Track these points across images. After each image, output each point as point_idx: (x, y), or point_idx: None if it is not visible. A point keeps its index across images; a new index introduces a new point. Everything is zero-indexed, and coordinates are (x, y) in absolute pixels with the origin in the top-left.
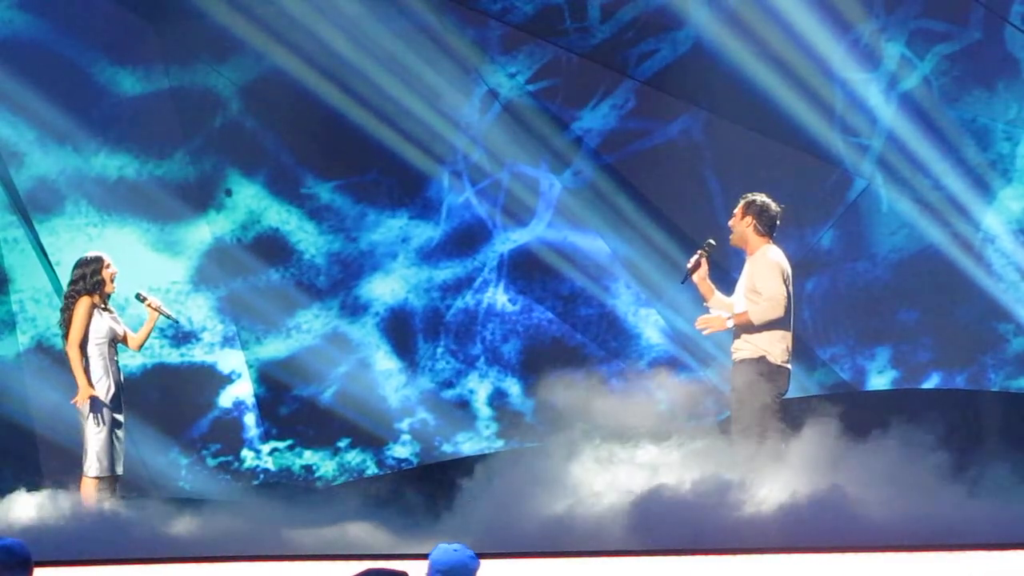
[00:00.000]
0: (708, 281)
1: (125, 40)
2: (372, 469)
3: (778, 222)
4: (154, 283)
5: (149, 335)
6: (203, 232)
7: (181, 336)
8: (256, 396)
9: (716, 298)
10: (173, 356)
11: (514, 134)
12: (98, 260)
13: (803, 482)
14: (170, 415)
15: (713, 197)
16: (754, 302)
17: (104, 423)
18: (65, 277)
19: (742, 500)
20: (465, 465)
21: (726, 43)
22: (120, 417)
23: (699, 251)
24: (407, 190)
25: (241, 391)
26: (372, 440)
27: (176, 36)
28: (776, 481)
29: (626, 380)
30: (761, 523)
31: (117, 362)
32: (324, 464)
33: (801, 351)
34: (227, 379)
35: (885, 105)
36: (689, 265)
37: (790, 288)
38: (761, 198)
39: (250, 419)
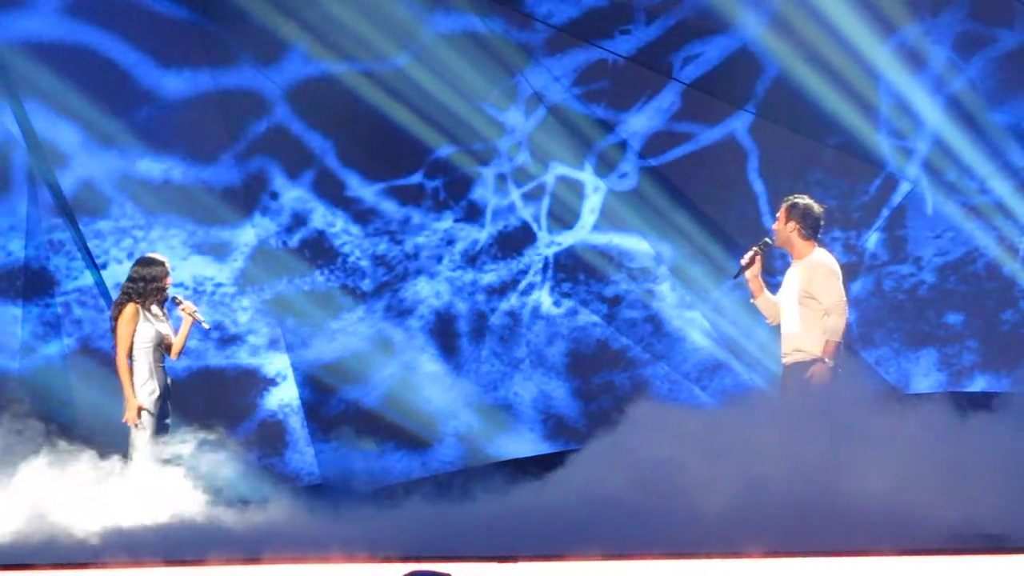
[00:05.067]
0: (760, 279)
1: (171, 43)
2: (417, 472)
3: (822, 223)
4: (199, 286)
5: (186, 341)
6: (248, 235)
7: (227, 338)
8: (301, 399)
9: (764, 297)
10: (218, 358)
11: (559, 137)
12: (162, 266)
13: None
14: (215, 418)
15: (758, 200)
16: (810, 308)
17: (149, 426)
18: (111, 280)
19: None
20: (509, 468)
21: (771, 45)
22: (167, 421)
23: (754, 248)
24: (452, 193)
25: (286, 394)
26: (417, 443)
27: (222, 39)
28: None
29: (670, 383)
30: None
31: (164, 366)
32: (369, 467)
33: (846, 354)
34: (272, 382)
35: (931, 108)
36: (743, 262)
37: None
38: (804, 200)
39: (295, 422)
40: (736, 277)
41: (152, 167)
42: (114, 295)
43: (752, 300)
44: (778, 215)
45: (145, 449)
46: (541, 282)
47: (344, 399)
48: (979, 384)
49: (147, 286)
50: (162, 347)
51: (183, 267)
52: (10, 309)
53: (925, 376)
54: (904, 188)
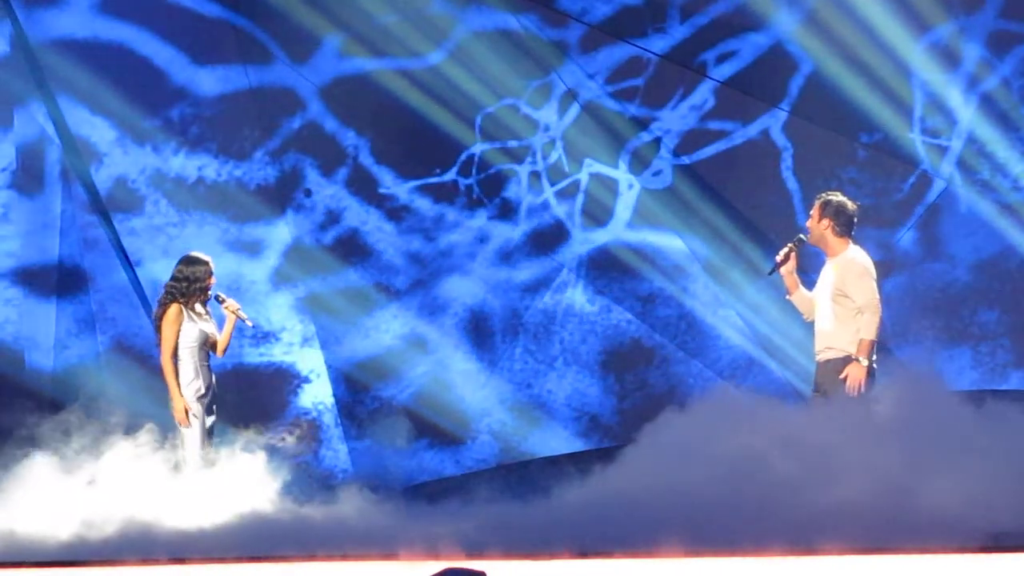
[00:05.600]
0: (795, 275)
1: (205, 40)
2: (450, 469)
3: (855, 220)
4: (233, 283)
5: (230, 339)
6: (282, 232)
7: (260, 336)
8: (335, 396)
9: (800, 293)
10: (252, 356)
11: (593, 134)
12: (206, 265)
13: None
14: (249, 415)
15: (792, 198)
16: (844, 306)
17: (197, 426)
18: (144, 277)
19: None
20: (543, 465)
21: (805, 43)
22: (211, 419)
23: (789, 244)
24: (486, 190)
25: (320, 391)
26: (450, 440)
27: (255, 36)
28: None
29: (704, 381)
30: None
31: (209, 365)
32: (402, 464)
33: (879, 351)
34: (306, 379)
35: (964, 106)
36: (779, 258)
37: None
38: (837, 197)
39: (329, 419)
40: (771, 273)
41: (186, 164)
42: (149, 293)
43: (787, 296)
44: (812, 212)
45: (195, 448)
46: (575, 280)
47: (378, 397)
48: (1013, 382)
49: (190, 285)
50: (207, 346)
51: (217, 265)
52: (44, 306)
53: (959, 374)
54: (938, 186)
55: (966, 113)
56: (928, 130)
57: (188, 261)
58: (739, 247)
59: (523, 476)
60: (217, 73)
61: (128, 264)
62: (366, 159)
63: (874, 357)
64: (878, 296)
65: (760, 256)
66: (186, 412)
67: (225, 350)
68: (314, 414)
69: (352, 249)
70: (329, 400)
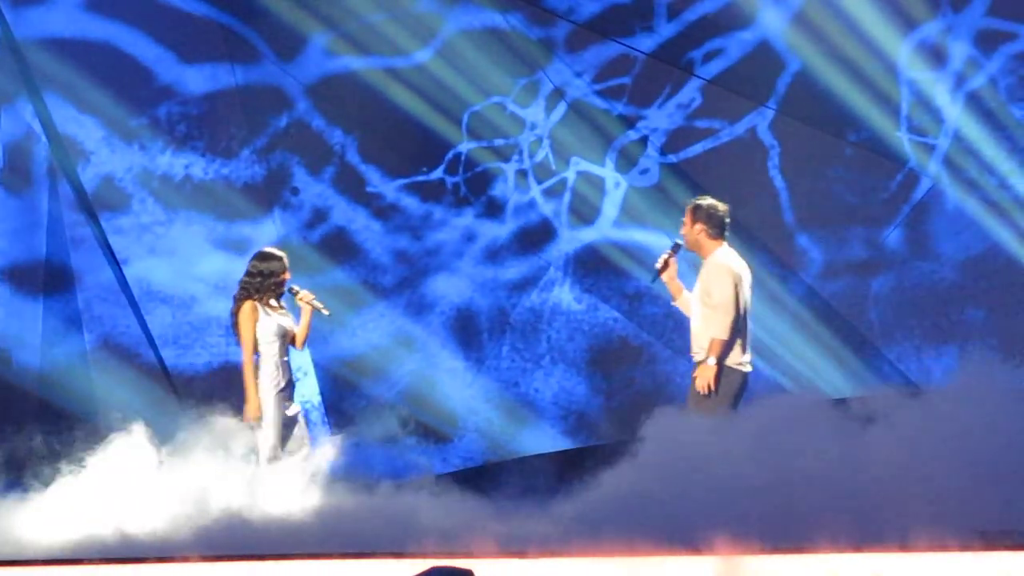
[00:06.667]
0: (677, 280)
1: (192, 39)
2: (437, 467)
3: (727, 221)
4: (220, 282)
5: (309, 330)
6: (269, 231)
7: None
8: (322, 394)
9: (684, 297)
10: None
11: (580, 133)
12: (280, 261)
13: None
14: (236, 413)
15: (779, 196)
16: (707, 306)
17: (274, 421)
18: (131, 276)
19: None
20: (530, 464)
21: (792, 42)
22: (290, 413)
23: (667, 251)
24: (473, 189)
25: (307, 389)
26: (438, 438)
27: (243, 34)
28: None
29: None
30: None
31: (288, 360)
32: (389, 462)
33: (867, 350)
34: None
35: (951, 104)
36: (658, 266)
37: (741, 289)
38: (707, 201)
39: (316, 417)
40: (653, 281)
41: (173, 163)
42: (136, 292)
43: (673, 303)
44: (684, 219)
45: (268, 442)
46: (562, 278)
47: (365, 395)
48: (1000, 380)
49: (265, 280)
50: (286, 340)
51: (203, 263)
52: (31, 305)
53: (946, 372)
54: (925, 184)
55: (953, 111)
56: (915, 128)
57: (262, 256)
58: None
59: (510, 474)
60: (204, 71)
61: (115, 263)
62: (353, 157)
63: (745, 358)
64: (733, 296)
65: (747, 254)
66: (258, 411)
67: (304, 342)
68: (301, 412)
69: (339, 248)
70: (316, 398)
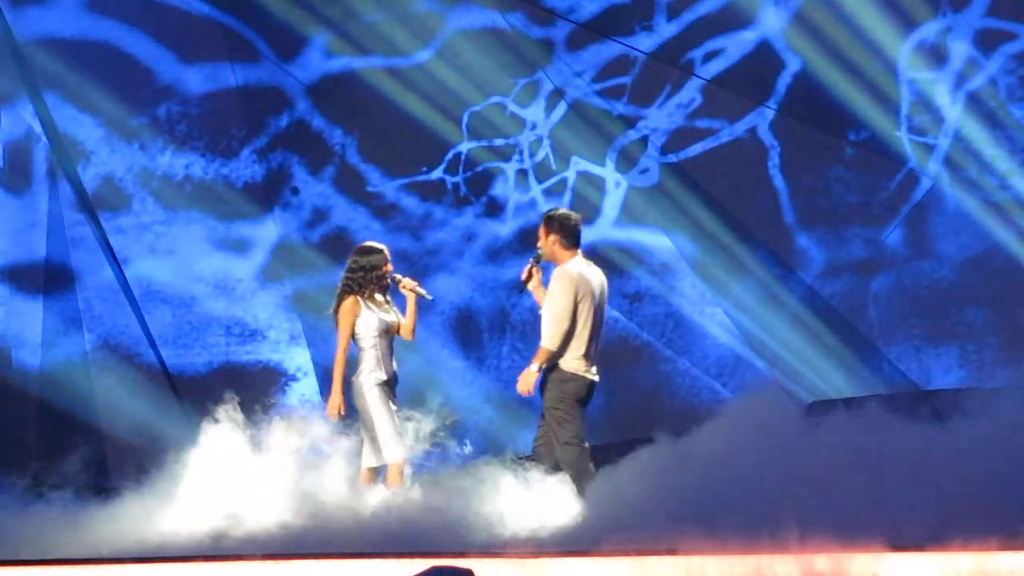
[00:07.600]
0: (543, 288)
1: (192, 38)
2: (437, 466)
3: (580, 230)
4: (220, 281)
5: (416, 318)
6: (269, 230)
7: (248, 334)
8: (322, 394)
9: None
10: (240, 354)
11: (580, 132)
12: (380, 254)
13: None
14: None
15: (779, 196)
16: (544, 313)
17: (382, 413)
18: (131, 275)
19: None
20: (529, 463)
21: (792, 42)
22: (395, 409)
23: (530, 262)
24: (473, 189)
25: (307, 389)
26: (437, 438)
27: (243, 34)
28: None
29: (691, 379)
30: None
31: (392, 355)
32: None
33: (867, 350)
34: (293, 377)
35: (951, 104)
36: (522, 277)
37: (579, 299)
38: (559, 212)
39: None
40: (521, 292)
41: (173, 162)
42: (136, 291)
43: (540, 311)
44: (539, 232)
45: (388, 431)
46: None
47: None
48: (1000, 380)
49: (367, 275)
50: (389, 334)
51: (203, 263)
52: (31, 304)
53: (946, 372)
54: (925, 184)
55: (953, 111)
56: (915, 128)
57: (362, 251)
58: (726, 245)
59: (509, 474)
60: (204, 71)
61: (115, 262)
62: (353, 157)
63: (581, 367)
64: (568, 306)
65: (747, 254)
66: (340, 408)
67: (413, 331)
68: (302, 412)
69: (339, 247)
70: (316, 398)
